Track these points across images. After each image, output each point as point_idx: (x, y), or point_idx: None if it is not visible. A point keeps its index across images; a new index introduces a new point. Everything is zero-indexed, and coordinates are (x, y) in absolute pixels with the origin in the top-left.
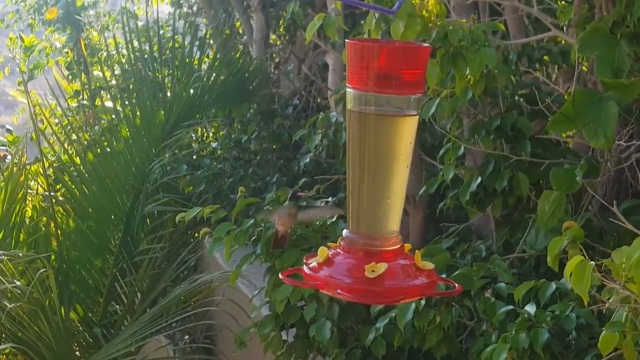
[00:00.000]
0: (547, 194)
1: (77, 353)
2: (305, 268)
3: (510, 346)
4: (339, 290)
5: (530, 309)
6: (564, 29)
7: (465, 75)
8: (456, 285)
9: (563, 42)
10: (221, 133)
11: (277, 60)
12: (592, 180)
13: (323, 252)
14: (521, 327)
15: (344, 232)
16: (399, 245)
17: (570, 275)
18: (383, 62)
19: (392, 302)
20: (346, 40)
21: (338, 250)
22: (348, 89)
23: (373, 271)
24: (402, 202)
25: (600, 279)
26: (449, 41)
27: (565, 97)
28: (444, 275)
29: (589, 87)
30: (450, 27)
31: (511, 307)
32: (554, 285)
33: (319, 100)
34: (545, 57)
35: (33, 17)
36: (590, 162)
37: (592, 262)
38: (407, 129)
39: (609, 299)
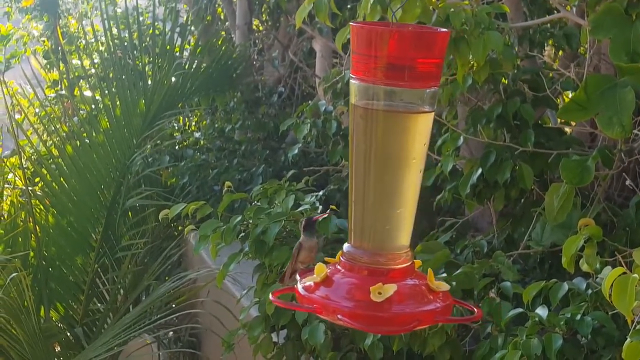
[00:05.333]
0: (556, 186)
1: (58, 352)
2: (299, 287)
3: (522, 353)
4: (339, 316)
5: (542, 312)
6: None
7: (469, 60)
8: (475, 310)
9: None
10: (204, 122)
11: (260, 47)
12: (601, 173)
13: (320, 269)
14: (532, 332)
15: (345, 246)
16: (409, 263)
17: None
18: (394, 49)
19: (401, 331)
20: (351, 23)
21: (338, 267)
22: (352, 81)
23: (380, 293)
24: (413, 213)
25: None
26: (451, 24)
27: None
28: (443, 274)
29: (590, 71)
30: (452, 10)
31: (521, 310)
32: (566, 286)
33: (304, 87)
34: (549, 41)
35: (10, 4)
36: (604, 153)
37: (636, 276)
38: (421, 128)
39: None
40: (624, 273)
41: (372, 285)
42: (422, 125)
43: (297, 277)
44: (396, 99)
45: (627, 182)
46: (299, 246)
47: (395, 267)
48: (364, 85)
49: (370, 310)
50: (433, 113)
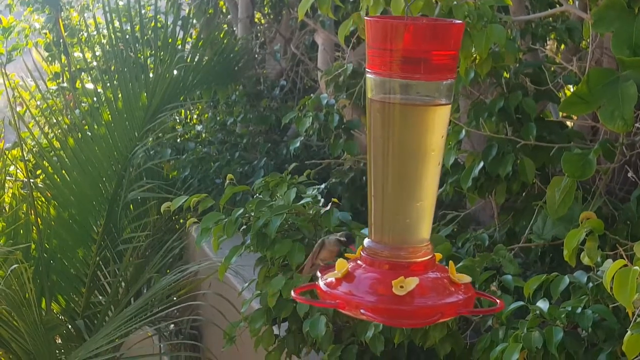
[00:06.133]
0: (557, 180)
1: (59, 344)
2: (321, 284)
3: (523, 346)
4: (362, 310)
5: (543, 305)
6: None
7: (471, 53)
8: (498, 301)
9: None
10: (206, 115)
11: (262, 40)
12: (603, 166)
13: (342, 264)
14: (533, 325)
15: (366, 241)
16: (430, 256)
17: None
18: (409, 42)
19: (424, 324)
20: (365, 17)
21: (359, 262)
22: (368, 75)
23: (402, 287)
24: (433, 205)
25: None
26: (454, 17)
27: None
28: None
29: (592, 65)
30: (455, 2)
31: (522, 303)
32: (567, 280)
33: (306, 80)
34: (552, 35)
35: None
36: (605, 146)
37: (637, 268)
38: (439, 120)
39: None
40: (625, 265)
41: (393, 279)
42: (440, 118)
43: (318, 273)
44: (413, 92)
45: (629, 174)
46: (322, 244)
47: (416, 261)
48: (380, 79)
49: (392, 304)
50: (450, 105)
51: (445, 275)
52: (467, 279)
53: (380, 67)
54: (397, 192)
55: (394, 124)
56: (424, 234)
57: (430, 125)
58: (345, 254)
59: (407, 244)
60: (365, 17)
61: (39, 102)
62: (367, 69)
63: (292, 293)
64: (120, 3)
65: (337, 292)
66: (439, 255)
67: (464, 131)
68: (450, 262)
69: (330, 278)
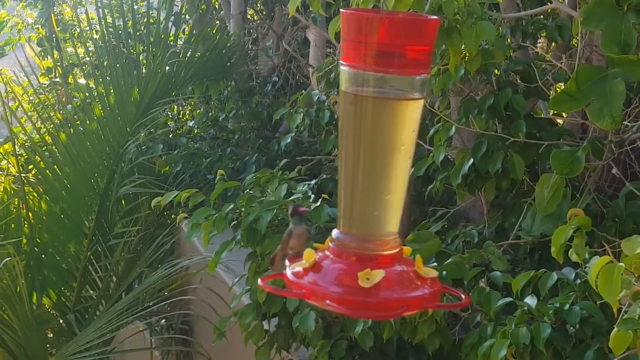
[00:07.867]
0: (546, 177)
1: (50, 338)
2: (288, 273)
3: (510, 342)
4: (328, 301)
5: (531, 301)
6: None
7: (461, 50)
8: (463, 296)
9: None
10: (198, 111)
11: (254, 36)
12: (591, 164)
13: (309, 254)
14: (521, 321)
15: (334, 232)
16: (397, 249)
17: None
18: (384, 36)
19: (389, 317)
20: (341, 10)
21: (327, 253)
22: (342, 67)
23: (368, 279)
24: (402, 199)
25: (631, 284)
26: (443, 14)
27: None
28: (434, 263)
29: (582, 62)
30: None
31: (510, 299)
32: (555, 276)
33: (298, 77)
34: (543, 33)
35: None
36: (594, 144)
37: (622, 265)
38: (410, 115)
39: None
40: (611, 262)
41: (360, 271)
42: (412, 112)
43: (287, 262)
44: (386, 86)
45: (614, 171)
46: (289, 233)
47: (383, 253)
48: (353, 71)
49: (358, 296)
50: (422, 100)
51: (411, 269)
52: (433, 273)
53: (354, 59)
54: (366, 184)
55: (366, 116)
56: (392, 227)
57: (401, 119)
58: (315, 244)
59: (375, 237)
60: (341, 10)
61: (31, 97)
62: (341, 61)
63: (259, 281)
64: None
65: (303, 281)
66: (407, 249)
67: (454, 128)
68: (418, 255)
69: (298, 268)
